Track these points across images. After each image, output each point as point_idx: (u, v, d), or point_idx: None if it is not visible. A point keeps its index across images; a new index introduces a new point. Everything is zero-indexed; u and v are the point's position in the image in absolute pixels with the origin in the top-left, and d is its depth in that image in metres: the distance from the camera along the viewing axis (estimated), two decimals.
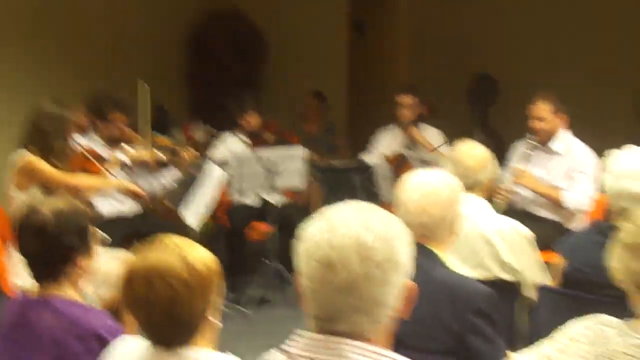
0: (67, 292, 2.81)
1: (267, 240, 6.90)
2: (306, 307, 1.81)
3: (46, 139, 5.16)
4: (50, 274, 2.81)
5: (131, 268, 2.25)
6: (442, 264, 3.04)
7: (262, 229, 7.24)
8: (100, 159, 5.94)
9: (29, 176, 5.13)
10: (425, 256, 2.96)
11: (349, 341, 1.75)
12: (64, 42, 8.02)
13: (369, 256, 1.73)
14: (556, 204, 5.91)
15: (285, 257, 6.72)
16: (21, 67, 7.56)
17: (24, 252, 2.86)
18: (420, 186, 3.09)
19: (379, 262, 1.73)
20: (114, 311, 4.81)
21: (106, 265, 4.52)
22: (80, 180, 5.35)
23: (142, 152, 6.12)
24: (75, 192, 5.06)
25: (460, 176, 3.96)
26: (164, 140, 6.75)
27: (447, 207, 3.06)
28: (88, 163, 5.75)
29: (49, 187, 5.15)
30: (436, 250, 3.06)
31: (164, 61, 9.36)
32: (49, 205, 2.83)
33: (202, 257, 2.29)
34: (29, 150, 5.16)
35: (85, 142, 5.95)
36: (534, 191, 6.00)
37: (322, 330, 1.78)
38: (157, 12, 9.18)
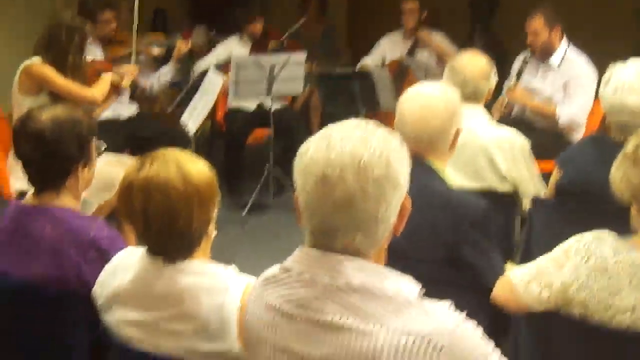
0: (65, 201, 2.82)
1: (265, 145, 6.90)
2: (304, 223, 1.82)
3: (62, 50, 5.03)
4: (49, 183, 2.81)
5: (129, 180, 2.25)
6: (439, 177, 3.04)
7: (260, 134, 7.25)
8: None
9: (36, 82, 5.03)
10: (423, 169, 2.97)
11: (347, 258, 1.76)
12: None
13: (365, 173, 1.73)
14: (551, 119, 5.90)
15: (282, 162, 6.76)
16: None
17: (22, 160, 2.85)
18: (418, 98, 3.08)
19: (376, 179, 1.73)
20: (111, 215, 4.89)
21: (103, 169, 4.55)
22: (94, 96, 5.23)
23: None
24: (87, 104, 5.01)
25: (459, 85, 3.96)
26: (156, 35, 6.70)
27: (445, 119, 3.04)
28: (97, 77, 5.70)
29: (57, 97, 5.04)
30: (434, 163, 3.06)
31: None
32: (47, 113, 2.81)
33: (200, 170, 2.29)
34: (41, 58, 5.05)
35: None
36: (526, 106, 5.99)
37: (319, 246, 1.79)
38: None
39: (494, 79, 4.16)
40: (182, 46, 6.42)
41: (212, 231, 2.37)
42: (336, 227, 1.76)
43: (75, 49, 5.07)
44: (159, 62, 6.65)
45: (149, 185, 2.22)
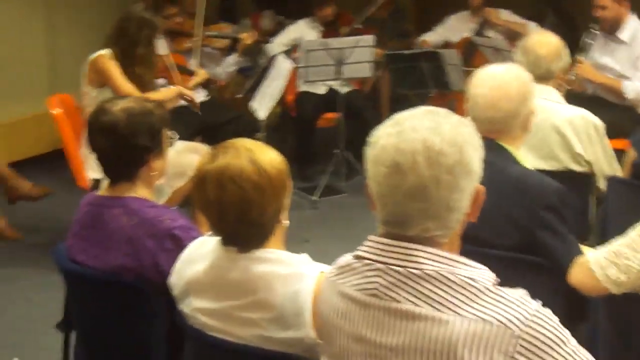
0: (139, 191, 2.85)
1: (335, 129, 6.90)
2: (377, 212, 1.81)
3: (131, 43, 5.05)
4: (123, 174, 2.85)
5: (203, 171, 2.27)
6: (513, 160, 3.01)
7: (329, 117, 7.25)
8: (186, 71, 5.98)
9: (98, 74, 5.07)
10: (495, 152, 2.94)
11: (420, 247, 1.75)
12: None
13: (437, 160, 1.71)
14: (617, 94, 5.79)
15: (353, 145, 6.76)
16: None
17: (96, 152, 2.89)
18: (489, 80, 3.04)
19: (449, 167, 1.71)
20: (186, 201, 4.95)
21: (176, 156, 4.61)
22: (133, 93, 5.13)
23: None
24: None
25: (531, 66, 3.92)
26: (220, 27, 6.74)
27: (517, 101, 3.01)
28: (169, 72, 5.75)
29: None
30: (507, 146, 3.03)
31: None
32: (120, 105, 2.85)
33: (272, 159, 2.30)
34: (111, 49, 5.08)
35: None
36: (593, 82, 5.89)
37: (393, 236, 1.78)
38: None
39: (566, 58, 4.09)
40: (246, 39, 6.44)
41: (285, 220, 2.38)
42: (409, 216, 1.74)
43: (145, 41, 5.08)
44: (225, 52, 6.69)
45: (223, 176, 2.23)
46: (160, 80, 5.87)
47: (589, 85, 6.00)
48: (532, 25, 7.19)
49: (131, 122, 2.81)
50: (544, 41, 4.05)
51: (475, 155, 1.77)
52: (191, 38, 6.26)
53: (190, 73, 6.02)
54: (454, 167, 1.72)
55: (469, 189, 1.76)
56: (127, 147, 2.81)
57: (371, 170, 1.79)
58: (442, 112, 1.82)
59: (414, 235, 1.75)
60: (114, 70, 5.02)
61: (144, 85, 5.15)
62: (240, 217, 2.24)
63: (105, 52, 5.09)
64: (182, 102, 6.10)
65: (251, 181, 2.23)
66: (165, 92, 5.41)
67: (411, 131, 1.74)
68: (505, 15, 7.36)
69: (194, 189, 2.31)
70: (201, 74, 5.94)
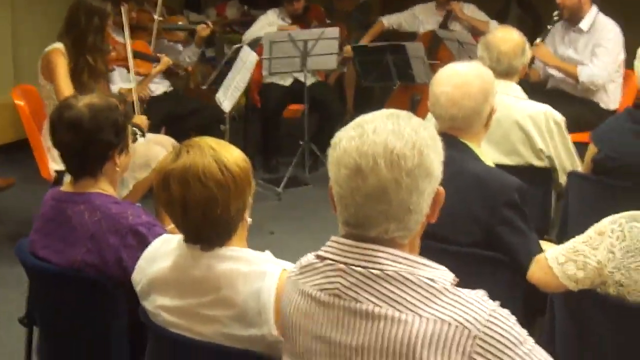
0: (103, 187, 2.86)
1: (300, 120, 6.92)
2: (338, 213, 1.84)
3: (81, 32, 5.01)
4: (87, 170, 2.85)
5: (167, 170, 2.28)
6: (474, 157, 3.05)
7: (295, 108, 7.27)
8: (148, 58, 5.93)
9: (48, 69, 5.03)
10: (456, 149, 2.97)
11: (381, 248, 1.77)
12: None
13: (398, 163, 1.73)
14: (572, 78, 5.85)
15: (318, 136, 6.78)
16: None
17: (59, 147, 2.89)
18: (452, 78, 3.08)
19: (409, 169, 1.74)
20: (149, 192, 4.94)
21: (139, 147, 4.60)
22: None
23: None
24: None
25: (494, 62, 3.98)
26: (177, 19, 6.73)
27: (479, 100, 3.04)
28: (125, 62, 5.68)
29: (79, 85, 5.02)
30: (469, 143, 3.06)
31: None
32: (84, 101, 2.85)
33: (236, 158, 2.32)
34: (62, 42, 5.04)
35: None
36: (547, 64, 5.95)
37: (354, 237, 1.81)
38: None
39: (528, 54, 4.14)
40: (202, 32, 6.44)
41: (248, 217, 2.40)
42: (369, 217, 1.77)
43: (95, 29, 5.04)
44: (184, 45, 6.67)
45: (187, 174, 2.24)
46: (119, 70, 5.85)
47: (549, 78, 6.06)
48: (494, 24, 7.24)
49: (95, 118, 2.81)
50: (506, 37, 4.09)
51: (435, 158, 1.80)
52: (148, 31, 6.22)
53: (154, 60, 5.96)
54: (414, 170, 1.75)
55: (428, 191, 1.79)
56: (91, 142, 2.81)
57: (333, 172, 1.81)
58: (404, 115, 1.85)
59: (374, 237, 1.78)
60: (59, 69, 4.96)
61: (96, 74, 5.11)
62: (204, 216, 2.25)
63: (58, 45, 5.04)
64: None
65: (215, 179, 2.25)
66: None
67: (372, 134, 1.77)
68: (470, 11, 7.40)
69: (157, 188, 2.31)
70: (164, 61, 5.90)
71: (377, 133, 1.76)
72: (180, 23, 6.84)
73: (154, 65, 5.88)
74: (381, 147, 1.74)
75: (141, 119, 5.17)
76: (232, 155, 2.32)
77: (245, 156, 2.38)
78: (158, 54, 6.01)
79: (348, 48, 7.07)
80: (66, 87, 4.95)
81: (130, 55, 5.58)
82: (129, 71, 5.66)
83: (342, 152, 1.78)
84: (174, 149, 2.33)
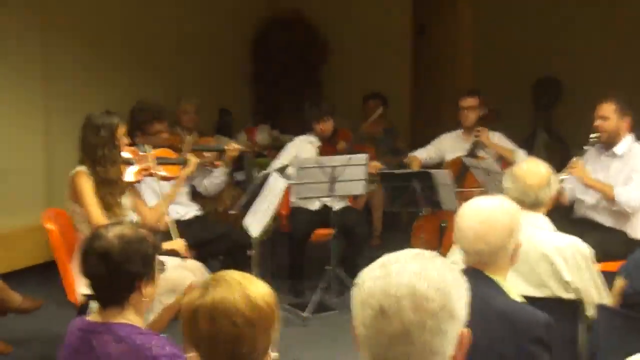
0: (129, 317, 2.87)
1: (327, 245, 6.93)
2: (362, 352, 1.83)
3: (93, 149, 5.13)
4: (114, 299, 2.87)
5: (195, 306, 2.28)
6: (500, 292, 3.04)
7: (322, 233, 7.29)
8: (174, 162, 6.02)
9: (74, 192, 5.14)
10: (483, 283, 2.97)
11: None
12: (133, 47, 8.17)
13: (422, 305, 1.74)
14: (608, 197, 5.84)
15: (345, 261, 6.78)
16: (92, 72, 7.71)
17: (88, 276, 2.92)
18: (477, 213, 3.09)
19: (434, 312, 1.75)
20: (175, 317, 4.94)
21: (167, 272, 4.62)
22: (99, 221, 5.02)
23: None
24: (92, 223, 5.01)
25: (520, 194, 3.99)
26: (207, 140, 6.82)
27: (505, 234, 3.05)
28: (155, 168, 5.78)
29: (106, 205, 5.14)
30: (494, 277, 3.06)
31: (228, 65, 9.54)
32: (114, 231, 2.89)
33: (263, 293, 2.32)
34: (83, 164, 5.16)
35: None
36: (584, 183, 5.95)
37: None
38: (223, 18, 9.35)
39: (555, 185, 4.16)
40: (231, 152, 6.53)
41: (272, 353, 2.38)
42: (393, 358, 1.77)
43: (104, 141, 5.14)
44: (214, 165, 6.76)
45: (215, 311, 2.24)
46: (149, 180, 5.93)
47: (578, 206, 6.07)
48: (520, 153, 7.28)
49: (125, 249, 2.85)
50: (532, 170, 4.12)
51: (459, 299, 1.81)
52: (178, 153, 6.33)
53: (181, 162, 6.02)
54: (437, 312, 1.75)
55: (452, 333, 1.79)
56: (119, 273, 2.84)
57: (357, 313, 1.81)
58: (429, 255, 1.86)
59: None
60: (86, 189, 5.07)
61: (111, 184, 5.18)
62: (232, 353, 2.24)
63: (80, 168, 5.16)
64: (171, 216, 6.15)
65: (244, 316, 2.24)
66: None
67: (397, 275, 1.78)
68: (497, 139, 7.46)
69: (184, 322, 2.31)
70: (192, 162, 5.94)
71: (402, 274, 1.78)
72: (209, 143, 6.94)
73: (182, 167, 5.94)
74: (405, 288, 1.75)
75: (179, 244, 5.23)
76: (259, 291, 2.32)
77: (272, 290, 2.38)
78: (185, 155, 6.07)
79: (376, 164, 7.12)
80: (94, 208, 5.05)
81: (157, 160, 5.69)
82: (159, 179, 5.76)
83: (366, 293, 1.79)
84: (202, 283, 2.34)
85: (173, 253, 5.21)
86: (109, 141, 5.16)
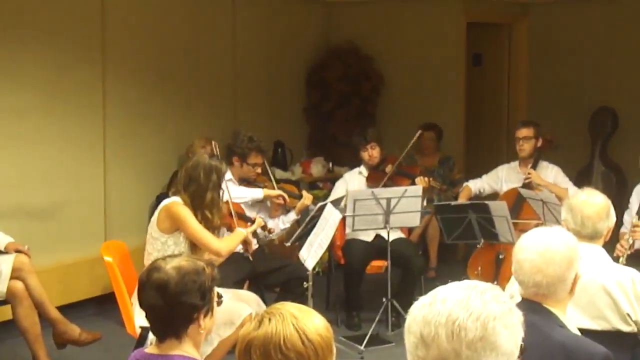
0: (186, 349, 2.89)
1: (384, 277, 6.91)
2: None
3: (199, 189, 5.19)
4: (171, 331, 2.89)
5: (249, 339, 2.28)
6: (558, 324, 3.01)
7: (377, 264, 7.28)
8: (244, 218, 6.11)
9: (173, 221, 5.18)
10: (540, 315, 2.95)
11: None
12: (191, 83, 8.27)
13: (458, 334, 1.73)
14: None
15: (400, 293, 6.75)
16: (150, 106, 7.82)
17: (145, 308, 2.95)
18: (535, 244, 3.07)
19: (469, 341, 1.72)
20: (232, 350, 4.96)
21: (223, 305, 4.64)
22: (220, 248, 5.25)
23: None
24: (210, 253, 5.10)
25: (578, 225, 3.94)
26: (288, 187, 6.90)
27: (563, 266, 3.02)
28: (230, 219, 5.89)
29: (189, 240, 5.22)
30: (553, 309, 3.03)
31: (284, 98, 9.59)
32: (172, 263, 2.92)
33: (317, 326, 2.31)
34: (181, 198, 5.22)
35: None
36: None
37: None
38: (278, 51, 9.40)
39: (612, 217, 4.11)
40: (306, 200, 6.58)
41: None
42: None
43: (213, 185, 5.22)
44: (282, 207, 6.79)
45: (268, 345, 2.24)
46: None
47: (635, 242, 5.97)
48: (573, 190, 7.20)
49: (182, 281, 2.87)
50: (590, 200, 4.07)
51: (505, 332, 1.77)
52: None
53: (248, 220, 6.13)
54: (475, 343, 1.73)
55: None
56: (176, 305, 2.86)
57: (406, 339, 1.82)
58: (482, 286, 1.83)
59: None
60: (189, 217, 5.14)
61: (213, 228, 5.26)
62: None
63: (177, 199, 5.23)
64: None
65: (297, 351, 2.24)
66: (233, 238, 5.52)
67: (440, 303, 1.78)
68: (554, 173, 7.38)
69: (238, 356, 2.32)
70: (258, 222, 6.03)
71: (444, 303, 1.78)
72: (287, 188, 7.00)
73: (249, 224, 6.02)
74: (444, 317, 1.75)
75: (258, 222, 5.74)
76: (314, 324, 2.31)
77: (328, 324, 2.38)
78: (252, 215, 6.17)
79: (420, 179, 7.10)
80: (208, 235, 5.18)
81: (234, 214, 5.81)
82: (228, 229, 5.92)
83: (411, 319, 1.80)
84: (257, 316, 2.34)
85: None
86: (217, 186, 5.27)
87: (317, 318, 2.35)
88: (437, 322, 1.75)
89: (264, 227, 6.24)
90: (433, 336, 1.74)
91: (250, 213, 6.42)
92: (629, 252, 5.56)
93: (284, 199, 5.87)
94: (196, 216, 5.17)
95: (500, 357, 1.76)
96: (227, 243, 5.38)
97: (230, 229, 5.88)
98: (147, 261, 5.19)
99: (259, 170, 6.42)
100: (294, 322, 2.28)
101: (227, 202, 5.85)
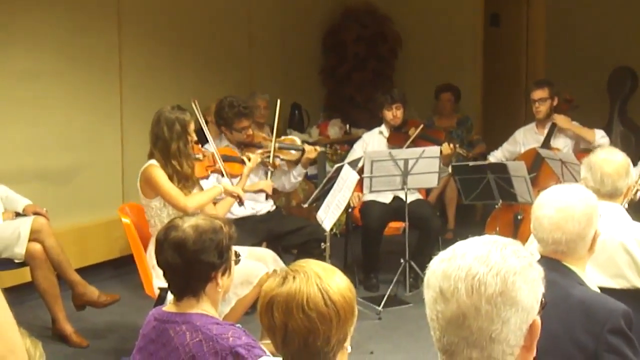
0: (205, 308, 2.89)
1: (401, 239, 6.90)
2: (433, 337, 1.81)
3: (167, 143, 5.20)
4: (189, 290, 2.90)
5: (272, 295, 2.28)
6: (578, 281, 2.99)
7: (395, 226, 7.27)
8: (236, 160, 6.07)
9: (149, 185, 5.22)
10: (560, 273, 2.93)
11: None
12: (204, 44, 8.23)
13: (478, 289, 1.70)
14: None
15: (418, 254, 6.74)
16: (166, 68, 7.80)
17: (163, 267, 2.95)
18: (554, 201, 3.04)
19: (489, 296, 1.69)
20: (250, 310, 4.98)
21: (241, 264, 4.65)
22: (187, 205, 5.17)
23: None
24: (184, 211, 5.00)
25: (598, 183, 3.91)
26: (291, 140, 6.85)
27: (582, 223, 2.99)
28: (219, 167, 5.87)
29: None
30: (573, 267, 3.01)
31: (300, 60, 9.54)
32: (189, 222, 2.92)
33: (341, 287, 2.30)
34: (154, 158, 5.24)
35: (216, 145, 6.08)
36: None
37: None
38: (294, 12, 9.35)
39: (632, 175, 4.07)
40: (310, 154, 6.51)
41: (348, 346, 2.37)
42: (452, 344, 1.73)
43: (177, 136, 5.20)
44: (292, 163, 6.74)
45: (291, 303, 2.24)
46: (213, 177, 6.00)
47: None
48: (600, 133, 7.18)
49: (200, 239, 2.88)
50: (609, 158, 4.03)
51: (525, 287, 1.74)
52: (262, 149, 6.36)
53: (239, 161, 6.08)
54: (495, 298, 1.70)
55: (515, 322, 1.72)
56: (194, 263, 2.87)
57: (425, 294, 1.80)
58: (502, 241, 1.79)
59: None
60: (159, 177, 5.16)
61: (184, 178, 5.26)
62: (305, 345, 2.24)
63: (151, 162, 5.24)
64: (247, 212, 6.19)
65: (319, 311, 2.23)
66: (205, 193, 5.48)
67: (460, 258, 1.75)
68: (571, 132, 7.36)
69: (260, 310, 2.32)
70: (254, 159, 6.00)
71: (465, 258, 1.75)
72: (289, 142, 6.94)
73: (243, 165, 5.99)
74: (464, 271, 1.72)
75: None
76: (338, 285, 2.30)
77: (351, 285, 2.37)
78: (246, 154, 6.12)
79: (445, 146, 7.04)
80: (176, 193, 5.17)
81: (219, 159, 5.79)
82: (222, 175, 5.85)
83: (430, 274, 1.78)
84: (281, 272, 2.33)
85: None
86: (182, 136, 5.22)
87: (341, 278, 2.34)
88: (456, 276, 1.72)
89: (264, 163, 6.23)
90: (452, 291, 1.72)
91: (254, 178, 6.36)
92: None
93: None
94: (167, 171, 5.20)
95: (520, 312, 1.73)
96: (197, 199, 5.35)
97: (224, 174, 5.87)
98: (152, 229, 5.23)
99: (249, 132, 6.37)
100: (318, 282, 2.27)
101: (212, 153, 5.86)
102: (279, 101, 6.50)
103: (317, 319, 2.23)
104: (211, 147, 5.97)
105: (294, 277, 2.29)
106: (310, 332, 2.23)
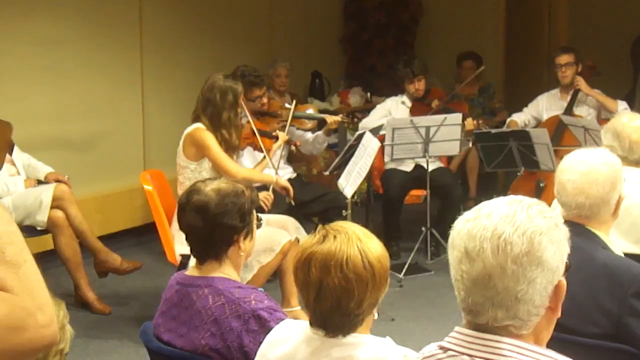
0: (227, 271, 2.90)
1: (422, 206, 6.88)
2: (458, 297, 1.80)
3: (216, 110, 5.26)
4: (211, 253, 2.90)
5: (310, 251, 2.28)
6: (602, 245, 2.97)
7: (416, 194, 7.25)
8: (269, 135, 6.08)
9: (197, 147, 5.27)
10: (584, 237, 2.92)
11: (504, 339, 1.71)
12: (225, 12, 8.19)
13: (504, 249, 1.68)
14: None
15: (440, 222, 6.73)
16: (187, 38, 7.77)
17: (186, 230, 2.96)
18: (578, 165, 3.02)
19: (515, 256, 1.68)
20: (271, 278, 4.99)
21: (263, 232, 4.66)
22: (238, 172, 5.31)
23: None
24: (234, 177, 5.06)
25: (626, 151, 3.88)
26: (309, 107, 6.82)
27: (606, 187, 2.98)
28: (254, 138, 5.88)
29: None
30: (596, 231, 2.99)
31: (320, 29, 9.50)
32: (211, 186, 2.92)
33: (379, 253, 2.30)
34: (200, 122, 5.29)
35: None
36: None
37: (474, 326, 1.76)
38: None
39: None
40: (332, 124, 6.49)
41: (375, 313, 2.38)
42: (477, 304, 1.72)
43: (229, 105, 5.28)
44: (312, 131, 6.74)
45: (330, 261, 2.24)
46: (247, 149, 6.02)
47: None
48: (622, 105, 7.12)
49: (222, 203, 2.88)
50: (637, 126, 4.00)
51: (552, 248, 1.73)
52: (277, 119, 6.35)
53: (273, 137, 6.09)
54: (521, 257, 1.69)
55: (541, 282, 1.71)
56: (216, 226, 2.87)
57: (449, 254, 1.79)
58: (527, 202, 1.78)
59: (486, 325, 1.73)
60: (211, 141, 5.24)
61: (232, 147, 5.36)
62: (337, 305, 2.24)
63: (199, 125, 5.28)
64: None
65: (356, 272, 2.24)
66: (259, 174, 5.63)
67: (485, 218, 1.74)
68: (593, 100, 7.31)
69: (296, 266, 2.31)
70: (282, 137, 6.01)
71: (490, 217, 1.73)
72: (309, 111, 6.91)
73: (274, 141, 6.01)
74: (490, 231, 1.71)
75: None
76: (376, 250, 2.31)
77: (387, 254, 2.37)
78: (275, 132, 6.13)
79: (470, 121, 7.00)
80: (227, 158, 5.28)
81: (257, 132, 5.80)
82: (255, 148, 5.94)
83: (455, 234, 1.77)
84: (321, 230, 2.33)
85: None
86: (234, 106, 5.30)
87: (379, 245, 2.34)
88: (482, 236, 1.71)
89: (288, 142, 6.23)
90: (478, 250, 1.71)
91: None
92: None
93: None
94: (216, 138, 5.26)
95: (545, 272, 1.72)
96: (249, 172, 5.50)
97: (257, 148, 5.91)
98: (181, 190, 5.23)
99: (264, 100, 6.35)
100: (359, 244, 2.27)
101: (248, 122, 5.86)
102: (294, 102, 6.47)
103: (354, 279, 2.23)
104: (248, 119, 5.95)
105: (334, 237, 2.29)
106: (345, 292, 2.23)
